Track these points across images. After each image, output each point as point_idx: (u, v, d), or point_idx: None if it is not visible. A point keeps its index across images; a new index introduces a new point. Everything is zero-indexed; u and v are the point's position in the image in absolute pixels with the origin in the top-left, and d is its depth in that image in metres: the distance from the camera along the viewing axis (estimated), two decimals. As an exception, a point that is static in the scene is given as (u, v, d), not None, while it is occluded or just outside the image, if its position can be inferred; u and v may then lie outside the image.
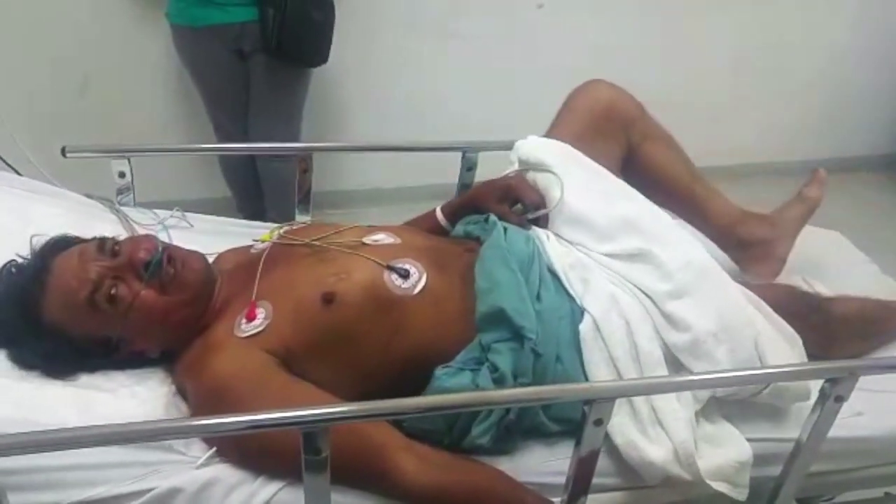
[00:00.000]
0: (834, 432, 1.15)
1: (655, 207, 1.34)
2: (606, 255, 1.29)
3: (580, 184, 1.35)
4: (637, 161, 1.50)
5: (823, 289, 1.53)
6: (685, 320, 1.19)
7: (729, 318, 1.20)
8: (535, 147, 1.41)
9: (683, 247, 1.27)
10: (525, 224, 1.36)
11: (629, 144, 1.48)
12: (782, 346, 1.24)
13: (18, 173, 1.61)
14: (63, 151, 1.50)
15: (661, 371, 1.18)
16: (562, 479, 1.11)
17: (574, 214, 1.33)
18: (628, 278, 1.25)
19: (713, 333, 1.18)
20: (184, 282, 1.17)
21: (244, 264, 1.29)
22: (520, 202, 1.39)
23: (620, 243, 1.29)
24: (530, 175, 1.40)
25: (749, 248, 1.54)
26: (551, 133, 1.47)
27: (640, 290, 1.24)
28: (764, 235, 1.53)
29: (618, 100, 1.48)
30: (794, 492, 1.22)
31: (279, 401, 1.02)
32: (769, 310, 1.28)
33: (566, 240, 1.33)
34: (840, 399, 1.10)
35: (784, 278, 1.54)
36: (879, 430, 1.28)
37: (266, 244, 1.31)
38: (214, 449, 1.06)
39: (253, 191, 2.67)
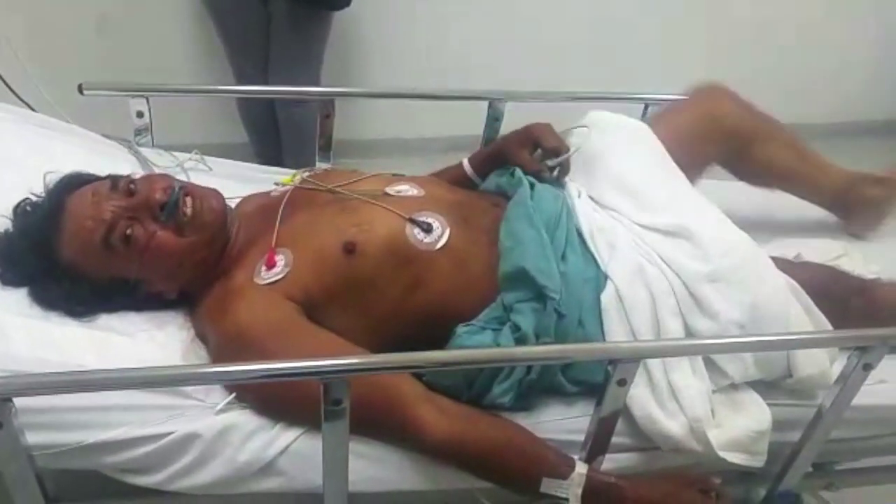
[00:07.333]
0: (856, 400, 1.14)
1: (707, 202, 1.32)
2: (643, 226, 1.26)
3: (637, 157, 1.36)
4: (746, 162, 1.54)
5: (861, 258, 1.49)
6: (712, 307, 1.16)
7: (763, 313, 1.16)
8: (604, 117, 1.43)
9: (729, 234, 1.25)
10: (545, 171, 1.34)
11: (737, 150, 1.51)
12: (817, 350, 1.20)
13: (34, 110, 1.57)
14: (80, 89, 1.46)
15: None
16: (580, 437, 1.10)
17: (619, 179, 1.33)
18: (659, 253, 1.22)
19: (740, 325, 1.15)
20: (201, 222, 1.16)
21: (264, 208, 1.27)
22: (539, 147, 1.36)
23: (661, 217, 1.26)
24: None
25: (857, 208, 1.61)
26: (653, 122, 1.49)
27: (668, 266, 1.20)
28: (873, 195, 1.60)
29: (733, 115, 1.50)
30: (812, 457, 1.21)
31: (300, 348, 1.03)
32: (817, 312, 1.23)
33: (604, 204, 1.32)
34: (868, 367, 1.09)
35: (822, 247, 1.50)
36: (902, 400, 1.26)
37: (287, 188, 1.29)
38: (233, 395, 1.06)
39: (271, 137, 2.64)
